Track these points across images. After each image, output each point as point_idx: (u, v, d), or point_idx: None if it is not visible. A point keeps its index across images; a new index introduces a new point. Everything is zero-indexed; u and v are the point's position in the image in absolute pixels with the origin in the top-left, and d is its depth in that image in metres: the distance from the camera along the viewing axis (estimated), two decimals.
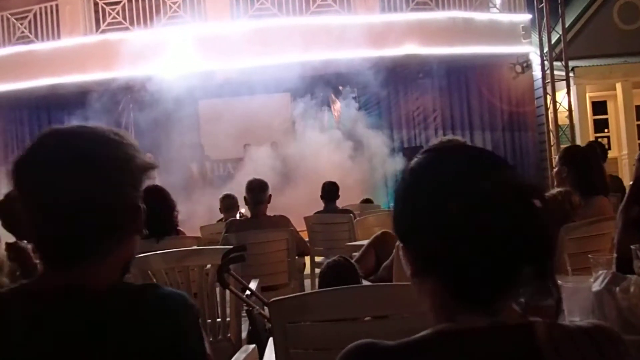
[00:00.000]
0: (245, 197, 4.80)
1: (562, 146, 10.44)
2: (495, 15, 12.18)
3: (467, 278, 0.88)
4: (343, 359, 0.91)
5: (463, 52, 11.29)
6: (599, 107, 13.28)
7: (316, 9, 11.53)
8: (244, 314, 3.12)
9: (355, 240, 5.00)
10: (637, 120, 12.80)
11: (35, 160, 1.08)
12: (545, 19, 11.23)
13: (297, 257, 4.84)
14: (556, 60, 11.32)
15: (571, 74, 11.55)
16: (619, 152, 12.63)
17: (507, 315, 0.88)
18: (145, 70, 10.49)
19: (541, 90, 11.76)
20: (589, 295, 1.69)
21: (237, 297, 2.83)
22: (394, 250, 3.19)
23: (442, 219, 0.88)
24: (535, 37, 11.87)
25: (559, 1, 11.14)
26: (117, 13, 11.68)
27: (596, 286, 1.68)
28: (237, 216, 5.86)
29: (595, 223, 3.12)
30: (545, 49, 11.40)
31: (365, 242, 4.23)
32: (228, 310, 3.22)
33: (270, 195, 4.78)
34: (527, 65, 12.09)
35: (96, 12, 11.88)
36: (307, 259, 5.63)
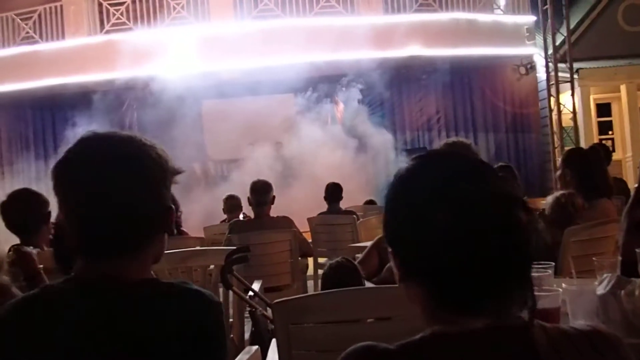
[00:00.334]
0: (248, 198, 4.80)
1: (566, 148, 10.43)
2: (499, 17, 12.17)
3: (450, 284, 0.89)
4: None
5: (467, 53, 11.27)
6: (603, 109, 13.26)
7: (319, 10, 11.53)
8: (246, 314, 3.12)
9: (358, 242, 4.99)
10: None
11: (82, 160, 1.16)
12: (549, 20, 11.21)
13: (300, 258, 4.84)
14: (560, 61, 11.30)
15: (575, 76, 11.53)
16: (623, 155, 12.60)
17: (505, 318, 0.88)
18: (148, 70, 10.51)
19: (545, 92, 11.74)
20: (594, 299, 1.68)
21: (240, 298, 2.83)
22: None
23: (425, 225, 0.89)
24: (539, 39, 11.85)
25: (564, 3, 11.13)
26: (121, 14, 11.70)
27: (601, 289, 1.68)
28: (241, 217, 5.86)
29: (599, 226, 3.11)
30: (550, 51, 11.38)
31: (368, 243, 4.22)
32: (231, 311, 3.22)
33: (273, 197, 4.78)
34: (531, 67, 12.07)
35: (100, 12, 11.91)
36: (310, 260, 5.62)
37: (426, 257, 0.89)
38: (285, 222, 4.78)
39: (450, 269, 0.88)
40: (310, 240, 5.52)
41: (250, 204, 4.83)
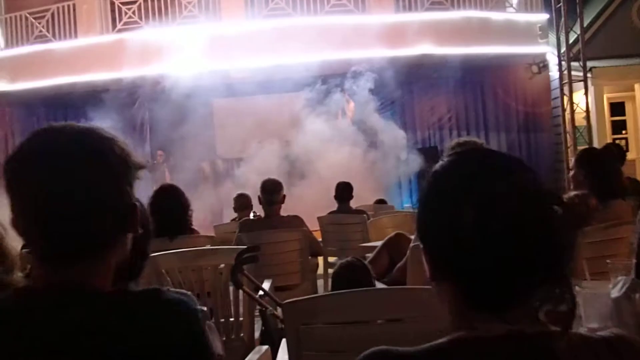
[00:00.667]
0: (259, 197, 4.80)
1: (579, 148, 10.35)
2: (512, 15, 12.09)
3: (481, 284, 0.87)
4: None
5: (479, 52, 11.20)
6: (617, 108, 13.14)
7: (330, 9, 11.52)
8: (257, 313, 3.12)
9: (368, 241, 4.98)
10: None
11: (38, 154, 1.05)
12: (562, 18, 11.12)
13: (310, 258, 4.83)
14: (573, 60, 11.21)
15: (589, 75, 11.43)
16: (638, 154, 12.49)
17: (525, 323, 0.86)
18: (160, 68, 10.56)
19: (558, 90, 11.65)
20: (608, 302, 1.66)
21: (250, 297, 2.83)
22: (408, 252, 3.17)
23: (458, 223, 0.88)
24: (552, 37, 11.77)
25: (577, 1, 11.03)
26: (133, 12, 11.75)
27: (615, 292, 1.66)
28: (251, 216, 5.87)
29: (613, 227, 3.08)
30: (563, 49, 11.29)
31: (378, 243, 4.21)
32: (241, 310, 3.22)
33: (284, 196, 4.78)
34: (543, 66, 11.98)
35: (112, 11, 11.98)
36: (320, 259, 5.62)
37: (456, 254, 0.88)
38: (295, 222, 4.77)
39: (481, 267, 0.86)
40: (320, 240, 5.51)
41: (260, 202, 4.83)
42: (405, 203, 11.41)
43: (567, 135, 11.37)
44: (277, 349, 2.13)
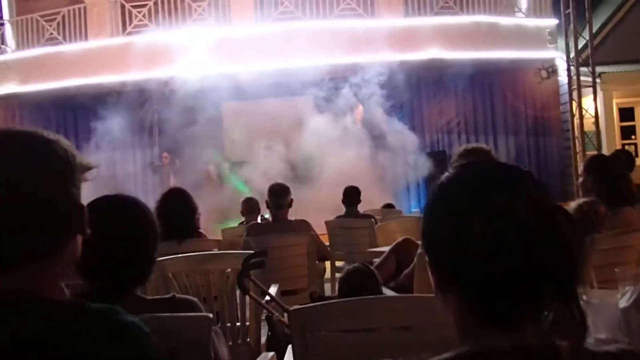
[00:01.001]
0: (266, 201, 4.81)
1: (588, 153, 10.31)
2: (521, 20, 12.07)
3: (487, 298, 0.87)
4: None
5: (488, 56, 11.19)
6: (626, 113, 13.06)
7: (340, 13, 11.53)
8: (263, 318, 3.12)
9: (376, 246, 4.98)
10: None
11: None
12: (572, 23, 11.09)
13: (317, 262, 4.83)
14: (583, 65, 11.17)
15: (598, 80, 11.38)
16: None
17: (531, 337, 0.86)
18: (169, 71, 10.61)
19: (567, 95, 11.61)
20: (616, 312, 1.65)
21: (256, 303, 2.83)
22: (415, 258, 3.16)
23: (465, 235, 0.87)
24: (561, 42, 11.73)
25: (586, 6, 11.00)
26: (143, 15, 11.81)
27: (623, 302, 1.65)
28: (259, 219, 5.88)
29: (622, 234, 3.06)
30: (572, 54, 11.25)
31: (386, 248, 4.21)
32: (247, 315, 3.22)
33: (291, 200, 4.78)
34: (552, 71, 11.94)
35: (123, 14, 12.05)
36: (327, 264, 5.62)
37: (462, 266, 0.88)
38: (303, 226, 4.77)
39: (488, 282, 0.86)
40: (327, 244, 5.51)
41: (268, 207, 4.83)
42: (414, 208, 11.40)
43: (576, 141, 11.33)
44: (283, 355, 2.13)
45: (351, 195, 6.27)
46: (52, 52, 11.66)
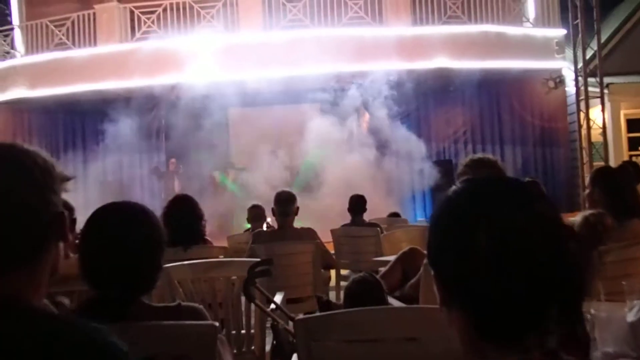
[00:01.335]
0: (272, 209, 4.81)
1: (595, 164, 10.27)
2: (529, 30, 12.06)
3: (492, 314, 0.86)
4: None
5: (495, 66, 11.18)
6: (634, 124, 13.01)
7: (348, 21, 11.56)
8: (268, 326, 3.12)
9: (381, 255, 4.97)
10: None
11: None
12: (580, 34, 11.08)
13: (322, 270, 4.82)
14: (590, 76, 11.15)
15: (605, 91, 11.36)
16: None
17: (538, 353, 0.85)
18: (177, 77, 10.65)
19: (574, 106, 11.59)
20: (623, 325, 1.65)
21: (262, 312, 2.83)
22: (422, 268, 3.15)
23: (469, 250, 0.87)
24: (569, 53, 11.72)
25: (595, 17, 10.99)
26: (152, 22, 11.88)
27: (631, 316, 1.64)
28: (264, 227, 5.88)
29: (629, 247, 3.05)
30: (580, 65, 11.24)
31: (392, 257, 4.20)
32: (253, 322, 3.22)
33: (297, 208, 4.79)
34: (560, 81, 11.92)
35: (132, 20, 12.12)
36: (333, 272, 5.61)
37: (466, 282, 0.87)
38: (308, 234, 4.77)
39: (493, 298, 0.86)
40: (333, 252, 5.50)
41: (274, 214, 4.84)
42: (419, 217, 11.38)
43: (583, 152, 11.29)
44: None
45: (357, 204, 6.26)
46: (61, 57, 11.73)
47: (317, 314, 1.86)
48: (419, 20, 11.74)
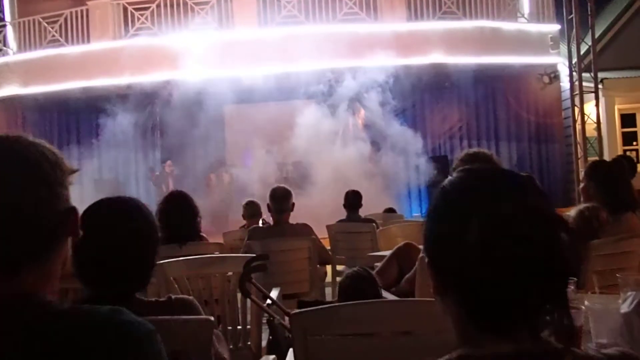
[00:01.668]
0: (268, 205, 4.80)
1: (590, 159, 10.31)
2: (524, 25, 12.08)
3: (484, 303, 0.87)
4: None
5: (490, 61, 11.20)
6: (628, 119, 13.08)
7: (343, 17, 11.55)
8: (264, 321, 3.12)
9: (377, 250, 4.97)
10: None
11: None
12: (574, 29, 11.10)
13: (318, 266, 4.82)
14: (585, 71, 11.18)
15: (600, 86, 11.39)
16: None
17: (530, 341, 0.86)
18: (172, 74, 10.63)
19: (569, 101, 11.62)
20: (617, 317, 1.65)
21: (258, 307, 2.83)
22: (417, 263, 3.16)
23: (462, 239, 0.88)
24: (563, 48, 11.74)
25: (589, 12, 11.02)
26: (146, 18, 11.84)
27: (625, 308, 1.65)
28: (260, 223, 5.87)
29: (623, 240, 3.06)
30: (574, 60, 11.27)
31: (387, 252, 4.20)
32: (249, 318, 3.21)
33: (293, 204, 4.78)
34: (555, 76, 11.95)
35: (125, 17, 12.07)
36: (329, 268, 5.61)
37: (461, 272, 0.88)
38: (304, 230, 4.77)
39: (484, 287, 0.86)
40: (329, 248, 5.50)
41: (269, 210, 4.83)
42: (415, 212, 11.40)
43: (578, 146, 11.33)
44: (284, 359, 2.13)
45: (353, 200, 6.27)
46: (54, 54, 11.69)
47: (313, 307, 1.86)
48: (414, 16, 11.74)
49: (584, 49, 11.28)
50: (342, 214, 6.34)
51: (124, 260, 1.66)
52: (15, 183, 1.02)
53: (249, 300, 2.94)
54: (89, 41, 11.94)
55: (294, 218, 4.94)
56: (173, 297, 1.81)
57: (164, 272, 2.95)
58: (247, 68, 10.74)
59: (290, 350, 1.97)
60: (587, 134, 11.34)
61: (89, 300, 1.66)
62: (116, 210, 1.74)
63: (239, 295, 3.09)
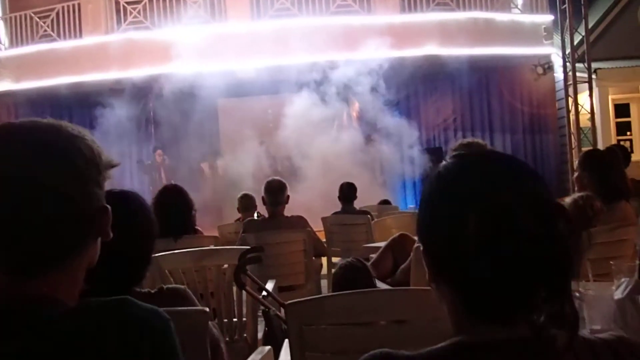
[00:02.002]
0: (263, 198, 4.80)
1: (584, 149, 10.33)
2: (517, 16, 12.08)
3: (480, 291, 0.86)
4: None
5: (484, 53, 11.20)
6: (622, 109, 13.11)
7: (336, 9, 11.52)
8: (260, 314, 3.12)
9: (373, 242, 4.98)
10: None
11: None
12: (568, 20, 11.11)
13: (314, 258, 4.83)
14: (578, 61, 11.19)
15: (593, 76, 11.41)
16: None
17: (525, 330, 0.85)
18: (165, 68, 10.59)
19: (563, 92, 11.64)
20: (611, 303, 1.66)
21: (253, 298, 2.83)
22: (412, 253, 3.17)
23: (459, 228, 0.86)
24: (557, 38, 11.75)
25: (582, 2, 11.02)
26: (138, 12, 11.78)
27: (618, 294, 1.66)
28: (255, 216, 5.87)
29: (617, 229, 3.08)
30: (568, 51, 11.28)
31: (382, 243, 4.21)
32: (244, 311, 3.22)
33: (288, 196, 4.78)
34: (548, 67, 11.96)
35: (117, 11, 12.01)
36: (324, 260, 5.62)
37: (456, 259, 0.87)
38: (299, 222, 4.77)
39: (480, 275, 0.85)
40: (324, 240, 5.51)
41: (264, 203, 4.83)
42: (410, 203, 11.41)
43: (572, 137, 11.35)
44: (280, 350, 2.13)
45: (347, 192, 6.27)
46: (47, 49, 11.62)
47: (308, 297, 1.86)
48: (408, 8, 11.72)
49: (577, 39, 11.28)
50: (337, 206, 6.34)
51: (124, 256, 1.65)
52: (37, 180, 0.95)
53: (244, 293, 2.95)
54: (81, 36, 11.87)
55: (289, 210, 4.94)
56: (165, 287, 1.81)
57: (159, 265, 2.95)
58: (241, 61, 10.70)
59: (286, 341, 1.97)
60: (581, 124, 11.36)
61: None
62: (117, 206, 1.72)
63: (234, 288, 3.09)
